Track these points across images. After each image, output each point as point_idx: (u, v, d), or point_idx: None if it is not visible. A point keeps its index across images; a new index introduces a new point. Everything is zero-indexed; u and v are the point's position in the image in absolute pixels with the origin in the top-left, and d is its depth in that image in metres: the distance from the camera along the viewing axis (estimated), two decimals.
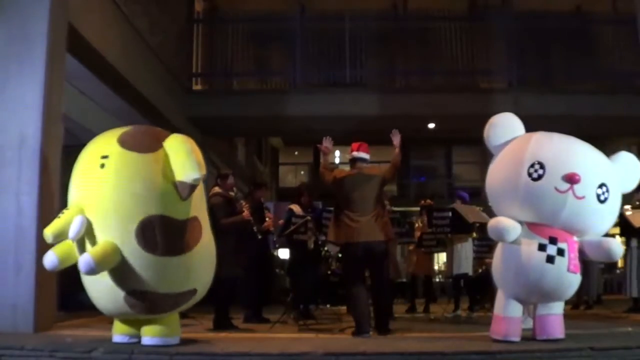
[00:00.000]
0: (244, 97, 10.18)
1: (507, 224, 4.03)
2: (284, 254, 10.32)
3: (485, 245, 6.91)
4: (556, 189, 3.92)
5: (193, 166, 3.81)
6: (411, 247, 8.27)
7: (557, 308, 4.15)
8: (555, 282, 3.97)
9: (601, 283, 10.26)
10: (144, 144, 3.91)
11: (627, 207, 7.03)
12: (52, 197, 5.16)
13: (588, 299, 8.17)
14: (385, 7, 11.24)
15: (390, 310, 5.96)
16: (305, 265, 7.18)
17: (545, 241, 3.97)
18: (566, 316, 4.28)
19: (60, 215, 3.82)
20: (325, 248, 8.71)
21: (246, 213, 5.83)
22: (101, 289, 3.84)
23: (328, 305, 9.28)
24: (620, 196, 4.17)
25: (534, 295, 4.09)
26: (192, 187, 3.84)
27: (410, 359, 3.69)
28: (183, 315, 5.94)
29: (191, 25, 10.29)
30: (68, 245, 3.87)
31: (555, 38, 10.48)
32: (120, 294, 3.77)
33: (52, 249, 3.85)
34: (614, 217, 4.19)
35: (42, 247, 4.84)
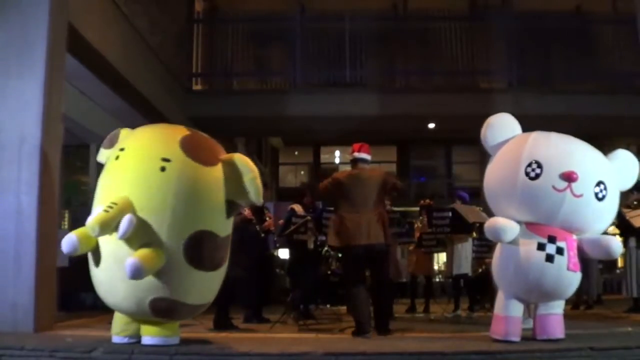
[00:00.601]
0: (244, 97, 10.18)
1: (503, 224, 4.03)
2: (284, 254, 10.32)
3: (485, 245, 6.91)
4: (554, 187, 3.92)
5: (256, 192, 3.92)
6: (411, 247, 8.27)
7: (558, 308, 4.15)
8: (555, 281, 3.97)
9: (601, 283, 10.26)
10: (206, 155, 3.91)
11: (627, 210, 7.03)
12: (52, 197, 5.17)
13: (588, 299, 8.17)
14: (385, 7, 11.23)
15: (390, 311, 5.96)
16: (305, 265, 7.18)
17: (544, 240, 3.97)
18: (566, 316, 4.28)
19: (107, 208, 3.61)
20: (325, 248, 8.72)
21: (248, 212, 5.83)
22: (128, 290, 3.73)
23: (328, 305, 9.27)
24: (618, 194, 4.17)
25: (534, 294, 4.09)
26: (240, 208, 3.97)
27: (410, 359, 3.69)
28: None
29: (191, 25, 10.29)
30: (87, 229, 3.71)
31: (555, 38, 10.48)
32: (148, 297, 3.74)
33: (73, 232, 3.73)
34: (612, 215, 4.20)
35: (42, 247, 4.87)
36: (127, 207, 3.65)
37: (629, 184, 4.30)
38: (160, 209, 3.70)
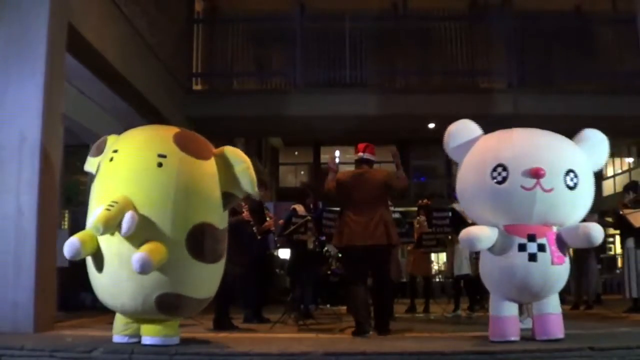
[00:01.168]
0: (244, 97, 10.18)
1: (476, 233, 4.04)
2: (284, 254, 10.33)
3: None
4: (523, 187, 3.90)
5: (250, 184, 3.98)
6: (409, 248, 8.28)
7: (555, 307, 4.13)
8: (542, 278, 3.95)
9: (601, 283, 10.28)
10: (200, 150, 3.96)
11: (627, 211, 7.04)
12: (52, 197, 5.16)
13: (588, 299, 8.17)
14: (385, 7, 11.24)
15: (390, 311, 5.96)
16: (305, 265, 7.19)
17: (524, 240, 3.96)
18: (566, 316, 4.27)
19: (109, 207, 3.61)
20: (325, 248, 8.72)
21: (246, 213, 5.83)
22: (134, 288, 3.73)
23: (328, 305, 9.29)
24: (592, 176, 4.15)
25: (524, 295, 4.07)
26: (236, 200, 4.01)
27: (410, 359, 3.68)
28: None
29: (191, 25, 10.29)
30: (89, 233, 3.74)
31: (555, 38, 10.48)
32: (154, 294, 3.74)
33: (75, 236, 3.72)
34: (589, 200, 4.15)
35: (42, 247, 4.87)
36: (128, 204, 3.66)
37: (601, 161, 4.26)
38: (160, 204, 3.73)
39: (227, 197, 4.01)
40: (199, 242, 3.80)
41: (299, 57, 10.17)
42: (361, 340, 4.58)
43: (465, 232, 4.08)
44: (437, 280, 13.45)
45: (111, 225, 3.60)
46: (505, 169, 3.95)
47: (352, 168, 5.70)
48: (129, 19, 7.29)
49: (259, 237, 6.30)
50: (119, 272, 3.74)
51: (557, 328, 4.10)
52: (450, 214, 7.26)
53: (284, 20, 10.76)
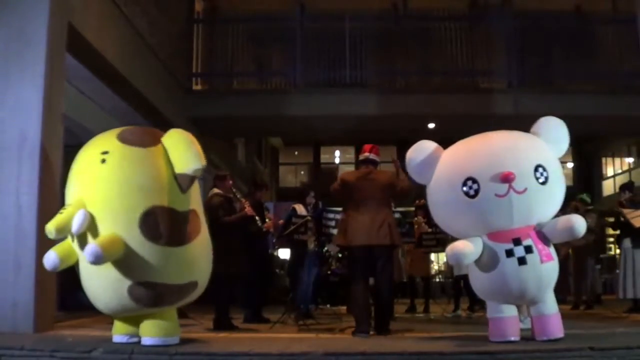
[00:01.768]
0: (244, 97, 10.17)
1: (462, 248, 4.00)
2: (284, 254, 10.33)
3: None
4: (497, 195, 3.89)
5: (194, 157, 3.90)
6: (407, 248, 8.27)
7: (552, 307, 4.11)
8: (536, 279, 3.94)
9: (601, 283, 10.28)
10: (144, 139, 4.01)
11: (627, 211, 7.04)
12: (52, 197, 5.16)
13: (587, 299, 8.17)
14: (385, 7, 11.23)
15: (391, 311, 5.97)
16: (305, 265, 7.18)
17: (510, 246, 3.94)
18: (566, 316, 4.28)
19: (61, 211, 3.84)
20: (325, 248, 8.71)
21: (249, 209, 5.83)
22: (105, 285, 3.84)
23: (328, 305, 9.28)
24: (559, 165, 4.16)
25: (521, 298, 4.06)
26: (192, 179, 3.93)
27: (410, 359, 3.68)
28: (183, 315, 5.96)
29: (191, 25, 10.29)
30: (68, 244, 3.90)
31: (555, 38, 10.48)
32: (124, 286, 3.78)
33: (53, 249, 3.87)
34: (562, 190, 4.13)
35: (42, 247, 4.84)
36: (79, 204, 3.82)
37: (563, 147, 4.23)
38: (107, 197, 3.83)
39: (180, 178, 3.92)
40: (152, 225, 3.78)
41: (299, 57, 10.17)
42: (361, 340, 4.58)
43: (450, 249, 4.04)
44: (437, 280, 13.45)
45: (62, 227, 3.76)
46: (475, 181, 3.94)
47: (352, 168, 5.69)
48: (129, 19, 7.29)
49: (264, 230, 6.30)
50: (90, 273, 3.85)
51: (556, 328, 4.09)
52: None
53: (284, 20, 10.75)
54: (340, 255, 9.68)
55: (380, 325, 5.02)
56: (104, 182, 3.85)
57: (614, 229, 7.60)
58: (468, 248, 3.99)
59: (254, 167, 15.65)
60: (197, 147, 3.98)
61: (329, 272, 9.75)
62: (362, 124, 9.99)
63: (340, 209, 5.80)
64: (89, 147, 4.09)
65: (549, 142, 4.15)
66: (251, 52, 11.20)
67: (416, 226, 8.22)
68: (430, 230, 7.77)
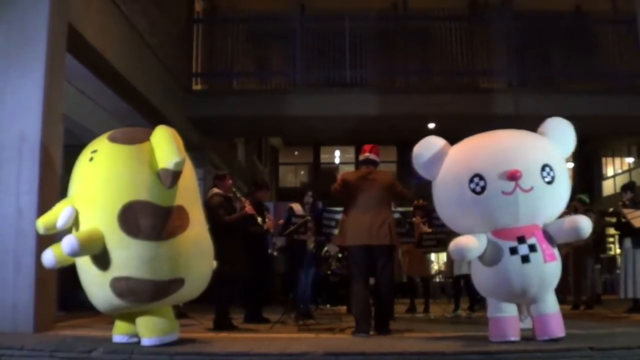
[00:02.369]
0: (244, 97, 10.18)
1: (465, 243, 4.01)
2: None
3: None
4: (503, 192, 3.90)
5: (172, 151, 3.89)
6: (405, 249, 8.27)
7: (553, 306, 4.11)
8: (538, 278, 3.95)
9: (601, 283, 10.27)
10: (132, 137, 4.07)
11: (627, 210, 7.04)
12: (52, 197, 5.14)
13: (587, 299, 8.17)
14: (385, 7, 11.25)
15: (391, 311, 5.97)
16: (304, 265, 7.18)
17: (514, 243, 3.95)
18: (566, 316, 4.27)
19: (52, 208, 3.96)
20: (325, 248, 8.72)
21: (249, 208, 5.83)
22: (90, 279, 3.90)
23: (328, 305, 9.28)
24: (565, 165, 4.18)
25: (522, 297, 4.07)
26: (175, 174, 3.86)
27: (410, 359, 3.68)
28: (183, 315, 5.97)
29: (191, 25, 10.30)
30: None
31: (555, 38, 10.48)
32: (106, 281, 3.80)
33: (50, 247, 3.91)
34: (567, 189, 4.15)
35: (42, 247, 4.83)
36: (67, 202, 3.94)
37: (570, 148, 4.25)
38: (91, 193, 3.91)
39: (162, 174, 3.88)
40: (132, 220, 3.79)
41: (299, 57, 10.18)
42: (361, 340, 4.58)
43: (454, 243, 4.04)
44: (437, 280, 13.45)
45: (50, 223, 3.89)
46: (482, 178, 3.95)
47: (352, 168, 5.70)
48: (129, 19, 7.29)
49: (265, 229, 6.30)
50: (79, 268, 3.95)
51: (557, 327, 4.09)
52: None
53: (284, 20, 10.76)
54: (340, 255, 9.68)
55: (380, 325, 5.02)
56: (89, 179, 3.96)
57: (616, 229, 7.60)
58: (472, 243, 4.00)
59: (254, 167, 15.65)
60: (178, 141, 3.98)
61: (329, 272, 9.75)
62: (362, 124, 9.99)
63: (340, 209, 5.80)
64: (86, 148, 4.17)
65: (555, 142, 4.16)
66: (251, 52, 11.21)
67: (415, 226, 8.21)
68: (430, 230, 7.76)
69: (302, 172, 20.47)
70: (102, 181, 3.89)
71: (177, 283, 3.94)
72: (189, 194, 4.15)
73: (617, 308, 7.57)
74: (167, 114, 8.49)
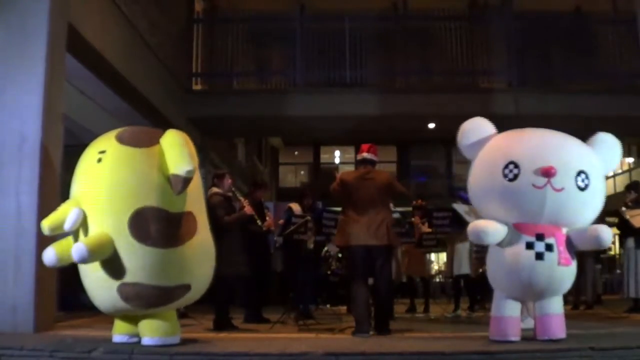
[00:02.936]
0: (244, 97, 10.18)
1: (484, 226, 4.04)
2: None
3: (486, 245, 6.90)
4: (534, 185, 3.90)
5: (185, 159, 3.85)
6: (404, 249, 8.28)
7: (557, 307, 4.13)
8: (547, 278, 3.96)
9: (601, 283, 10.27)
10: (141, 139, 4.00)
11: (627, 210, 7.04)
12: (52, 197, 5.15)
13: (587, 299, 8.17)
14: (385, 7, 11.24)
15: (390, 311, 5.97)
16: (304, 265, 7.19)
17: (532, 239, 3.96)
18: (566, 316, 4.26)
19: (57, 209, 3.90)
20: (325, 248, 8.71)
21: (248, 208, 5.83)
22: (96, 283, 3.87)
23: (328, 305, 9.28)
24: (603, 179, 4.16)
25: (528, 293, 4.08)
26: (186, 180, 3.84)
27: (410, 359, 3.69)
28: (183, 315, 5.96)
29: (191, 25, 10.29)
30: (68, 242, 3.90)
31: (555, 38, 10.48)
32: (113, 285, 3.78)
33: (52, 245, 3.88)
34: (599, 202, 4.14)
35: (42, 247, 4.82)
36: (74, 203, 3.87)
37: (612, 165, 4.28)
38: (99, 196, 3.84)
39: (173, 180, 3.85)
40: (142, 226, 3.76)
41: (299, 57, 10.18)
42: (361, 340, 4.58)
43: (474, 225, 4.08)
44: (437, 280, 13.45)
45: (55, 224, 3.83)
46: (516, 166, 3.95)
47: (352, 168, 5.70)
48: (129, 19, 7.29)
49: (264, 230, 6.30)
50: (84, 271, 3.89)
51: (558, 328, 4.10)
52: (450, 214, 7.25)
53: (284, 20, 10.76)
54: (340, 255, 9.68)
55: (380, 325, 5.02)
56: (97, 181, 3.88)
57: (618, 229, 7.59)
58: (491, 227, 4.02)
59: (254, 167, 15.65)
60: (191, 148, 3.96)
61: (329, 272, 9.76)
62: (362, 124, 9.99)
63: (340, 209, 5.80)
64: (91, 145, 4.12)
65: (599, 156, 4.16)
66: (251, 52, 11.20)
67: (415, 226, 8.21)
68: (430, 230, 7.76)
69: (302, 172, 20.46)
70: (111, 185, 3.83)
71: (183, 288, 3.96)
72: (198, 200, 4.15)
73: (617, 308, 7.57)
74: (167, 114, 8.48)
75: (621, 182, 14.73)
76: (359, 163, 5.47)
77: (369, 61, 10.48)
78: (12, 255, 4.83)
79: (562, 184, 3.90)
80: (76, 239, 3.88)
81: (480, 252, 7.22)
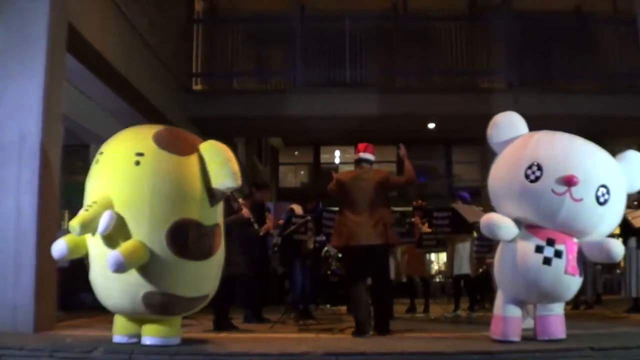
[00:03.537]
0: (244, 97, 10.18)
1: (498, 219, 4.04)
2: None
3: (486, 245, 6.91)
4: (553, 191, 3.88)
5: (230, 174, 3.87)
6: (404, 249, 8.28)
7: (558, 308, 4.14)
8: (552, 283, 3.95)
9: (601, 283, 10.26)
10: (180, 146, 3.92)
11: (627, 210, 7.03)
12: (52, 197, 5.16)
13: (587, 299, 8.17)
14: (385, 7, 11.24)
15: (390, 311, 5.97)
16: (304, 265, 7.19)
17: (542, 243, 3.95)
18: (566, 316, 4.27)
19: (87, 207, 3.71)
20: (325, 248, 8.72)
21: (245, 211, 5.82)
22: (119, 287, 3.77)
23: (328, 305, 9.29)
24: (625, 196, 4.12)
25: (532, 295, 4.08)
26: (223, 194, 3.93)
27: (410, 359, 3.69)
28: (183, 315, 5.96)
29: (191, 25, 10.28)
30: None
31: (555, 38, 10.48)
32: (139, 293, 3.74)
33: (63, 238, 3.78)
34: (617, 218, 4.13)
35: (42, 247, 4.86)
36: (107, 203, 3.70)
37: (638, 185, 4.24)
38: (138, 202, 3.74)
39: (212, 193, 3.92)
40: (180, 238, 3.75)
41: (299, 57, 10.17)
42: (361, 340, 4.58)
43: (488, 217, 4.08)
44: (437, 280, 13.46)
45: (88, 225, 3.65)
46: (540, 168, 3.93)
47: (352, 168, 5.70)
48: (129, 19, 7.29)
49: (260, 234, 6.29)
50: (106, 272, 3.74)
51: (558, 329, 4.10)
52: (450, 214, 7.26)
53: (284, 20, 10.76)
54: (340, 255, 9.69)
55: (380, 326, 5.02)
56: (135, 185, 3.75)
57: (619, 229, 7.58)
58: (504, 222, 4.01)
59: (254, 167, 15.64)
60: (235, 164, 3.94)
61: (329, 272, 9.76)
62: (362, 124, 9.98)
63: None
64: (122, 142, 3.97)
65: (626, 173, 4.13)
66: (251, 52, 11.20)
67: (415, 226, 8.22)
68: (430, 230, 7.77)
69: (302, 172, 20.44)
70: (152, 192, 3.72)
71: (203, 299, 4.04)
72: (221, 211, 4.18)
73: (617, 308, 7.57)
74: (167, 113, 8.48)
75: None
76: (356, 163, 5.46)
77: (369, 61, 10.47)
78: (12, 255, 4.83)
79: (581, 194, 3.87)
80: (107, 241, 3.74)
81: (480, 252, 7.24)
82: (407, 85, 10.43)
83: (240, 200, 6.03)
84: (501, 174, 4.22)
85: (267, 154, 17.90)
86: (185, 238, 3.77)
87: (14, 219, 4.88)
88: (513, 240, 4.05)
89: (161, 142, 3.87)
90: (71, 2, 5.61)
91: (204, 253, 3.90)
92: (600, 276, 9.90)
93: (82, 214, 3.67)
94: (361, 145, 5.44)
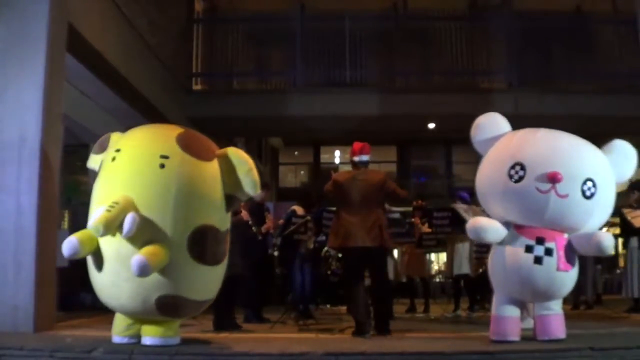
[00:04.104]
0: (244, 97, 10.18)
1: (483, 223, 4.04)
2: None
3: (486, 245, 6.89)
4: (537, 189, 3.87)
5: (252, 183, 3.94)
6: (404, 249, 8.27)
7: (556, 307, 4.13)
8: (546, 282, 3.94)
9: (601, 283, 10.27)
10: (203, 151, 3.94)
11: (628, 210, 7.03)
12: (52, 197, 5.16)
13: (587, 299, 8.17)
14: (385, 7, 11.24)
15: (390, 311, 5.97)
16: (303, 265, 7.19)
17: (531, 242, 3.94)
18: (566, 316, 4.27)
19: (109, 208, 3.59)
20: (325, 248, 8.71)
21: (244, 213, 5.82)
22: (134, 288, 3.72)
23: (328, 305, 9.29)
24: (614, 187, 4.10)
25: (526, 295, 4.08)
26: (240, 201, 4.00)
27: (410, 359, 3.68)
28: None
29: (191, 25, 10.28)
30: (88, 232, 3.71)
31: (555, 38, 10.48)
32: (152, 295, 3.73)
33: (74, 235, 3.71)
34: (606, 211, 4.09)
35: (42, 247, 4.87)
36: (130, 205, 3.63)
37: (627, 174, 4.21)
38: (162, 205, 3.71)
39: (230, 199, 3.99)
40: (200, 244, 3.77)
41: (299, 57, 10.17)
42: (361, 340, 4.58)
43: (473, 221, 4.08)
44: (437, 280, 13.46)
45: (111, 226, 3.57)
46: (523, 168, 3.92)
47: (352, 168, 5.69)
48: (129, 19, 7.29)
49: (259, 238, 6.29)
50: (118, 272, 3.72)
51: (558, 328, 4.10)
52: (450, 214, 7.26)
53: (284, 20, 10.76)
54: (340, 255, 9.69)
55: (380, 326, 5.01)
56: (160, 189, 3.72)
57: (620, 229, 7.58)
58: (491, 225, 4.02)
59: (256, 168, 15.65)
60: (256, 174, 3.98)
61: (329, 272, 9.76)
62: (362, 124, 9.98)
63: None
64: (143, 142, 3.93)
65: (613, 164, 4.10)
66: (251, 52, 11.20)
67: (415, 226, 8.21)
68: (430, 230, 7.77)
69: (302, 172, 20.45)
70: (175, 197, 3.70)
71: (209, 302, 4.12)
72: (229, 216, 4.20)
73: (617, 308, 7.57)
74: (167, 113, 8.48)
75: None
76: (352, 164, 5.45)
77: (369, 61, 10.47)
78: (12, 255, 4.83)
79: (567, 190, 3.85)
80: (127, 244, 3.67)
81: (480, 252, 7.23)
82: (407, 85, 10.42)
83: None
84: (486, 176, 4.21)
85: (267, 154, 17.90)
86: (205, 243, 3.80)
87: (14, 219, 4.88)
88: (503, 242, 4.04)
89: (185, 145, 3.85)
90: (71, 2, 5.61)
91: (218, 258, 3.96)
92: (600, 276, 9.92)
93: (104, 215, 3.56)
94: (356, 147, 5.40)
